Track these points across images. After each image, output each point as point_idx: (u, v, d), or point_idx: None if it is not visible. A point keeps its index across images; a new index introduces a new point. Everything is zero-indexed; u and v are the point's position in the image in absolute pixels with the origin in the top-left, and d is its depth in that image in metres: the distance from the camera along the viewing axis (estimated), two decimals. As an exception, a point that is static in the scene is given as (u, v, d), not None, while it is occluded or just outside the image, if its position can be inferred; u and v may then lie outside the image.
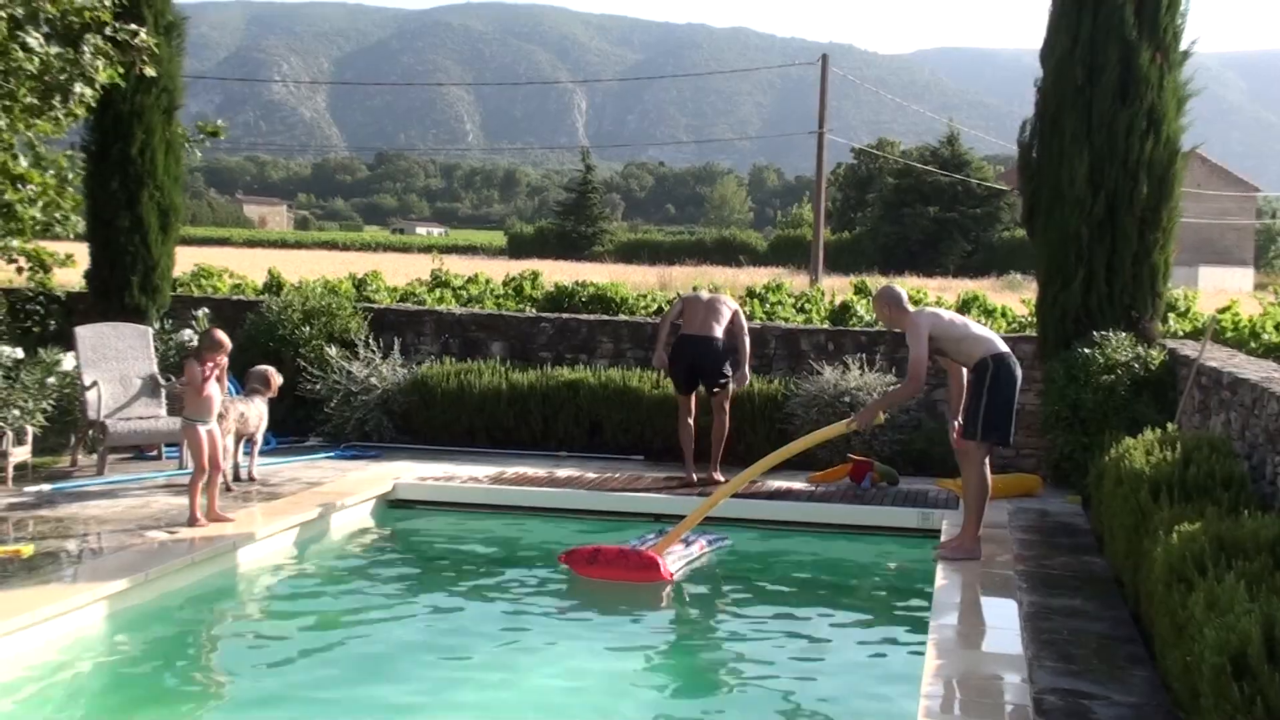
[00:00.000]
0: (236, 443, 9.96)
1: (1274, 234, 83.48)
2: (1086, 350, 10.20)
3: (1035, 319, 11.56)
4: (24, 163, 10.13)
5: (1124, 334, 10.40)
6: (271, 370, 10.44)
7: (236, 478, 9.93)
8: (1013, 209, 65.20)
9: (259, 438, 10.27)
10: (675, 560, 8.12)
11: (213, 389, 8.58)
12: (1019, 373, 8.03)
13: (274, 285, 14.85)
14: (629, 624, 7.32)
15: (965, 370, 8.05)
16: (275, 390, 10.38)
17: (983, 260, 62.18)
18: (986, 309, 13.88)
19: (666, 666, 6.62)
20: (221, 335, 8.80)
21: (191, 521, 8.25)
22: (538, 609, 7.42)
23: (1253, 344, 11.25)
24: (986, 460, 8.00)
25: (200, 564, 7.63)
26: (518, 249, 77.42)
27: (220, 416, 9.41)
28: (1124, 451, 7.44)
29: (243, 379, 10.64)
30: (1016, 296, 20.45)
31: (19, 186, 10.06)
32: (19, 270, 11.48)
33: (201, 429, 8.49)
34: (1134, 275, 10.68)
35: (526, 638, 6.81)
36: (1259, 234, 74.64)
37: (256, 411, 10.12)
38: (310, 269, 26.23)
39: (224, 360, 8.74)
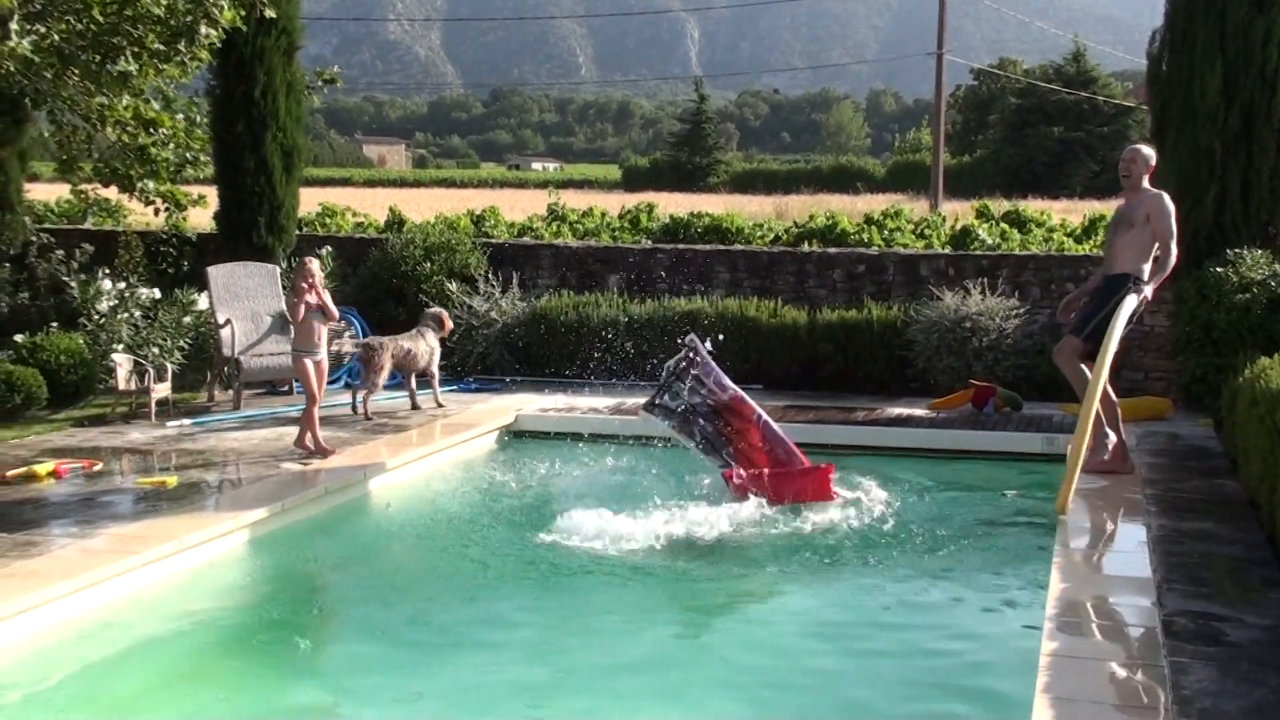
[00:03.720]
0: (407, 377, 10.57)
1: None
2: (1219, 269, 9.89)
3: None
4: (156, 107, 10.41)
5: (1260, 251, 10.05)
6: (444, 312, 11.10)
7: (414, 407, 10.56)
8: (1141, 126, 63.00)
9: (434, 370, 10.72)
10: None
11: (314, 318, 8.76)
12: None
13: (395, 223, 15.12)
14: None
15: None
16: (448, 330, 11.03)
17: (1110, 180, 59.99)
18: (1114, 230, 13.48)
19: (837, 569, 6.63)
20: (307, 260, 9.00)
21: (319, 450, 8.51)
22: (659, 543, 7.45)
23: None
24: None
25: (333, 494, 7.88)
26: (633, 182, 77.20)
27: (371, 351, 9.72)
28: (1260, 372, 7.22)
29: (365, 314, 10.90)
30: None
31: (151, 131, 10.35)
32: (156, 211, 11.84)
33: (308, 360, 8.75)
34: (1272, 190, 10.31)
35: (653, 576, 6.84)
36: None
37: (427, 347, 10.66)
38: (430, 206, 26.62)
39: (307, 286, 8.74)
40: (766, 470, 8.00)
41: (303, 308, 8.73)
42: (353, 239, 14.11)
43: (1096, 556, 6.49)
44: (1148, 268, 7.91)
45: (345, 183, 74.44)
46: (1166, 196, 8.00)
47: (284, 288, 11.66)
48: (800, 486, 7.93)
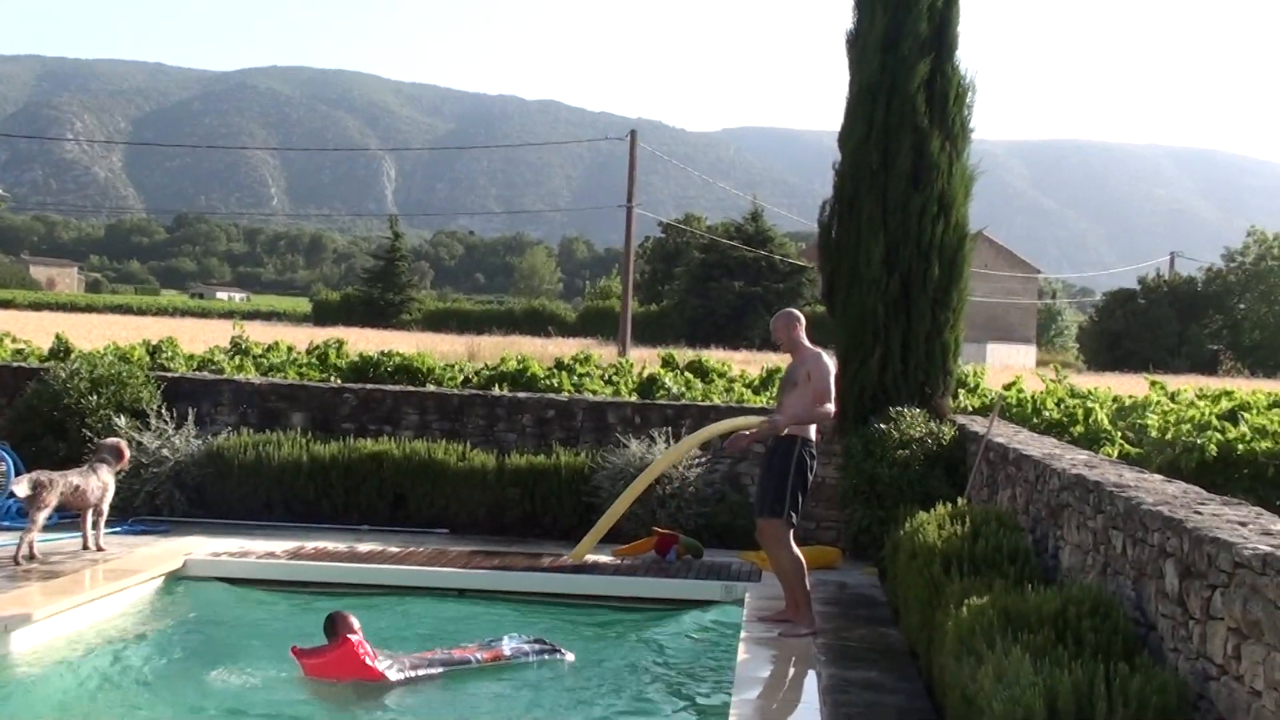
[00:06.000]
0: (82, 515, 9.82)
1: (1054, 313, 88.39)
2: (883, 425, 10.53)
3: (836, 393, 11.91)
4: None
5: (918, 410, 10.78)
6: (123, 442, 10.38)
7: (86, 546, 9.83)
8: (814, 285, 67.34)
9: (104, 509, 9.97)
10: (411, 669, 7.34)
11: None
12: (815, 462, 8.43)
13: (61, 351, 14.16)
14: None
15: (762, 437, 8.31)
16: (126, 463, 10.30)
17: (785, 334, 63.69)
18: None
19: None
20: None
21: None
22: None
23: (1035, 419, 11.81)
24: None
25: (-33, 650, 7.12)
26: (323, 316, 75.86)
27: (39, 488, 9.03)
28: (918, 525, 7.68)
29: (20, 450, 10.09)
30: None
31: None
32: None
33: None
34: (927, 353, 11.11)
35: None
36: (1040, 313, 78.92)
37: (98, 483, 9.85)
38: (102, 334, 25.19)
39: None
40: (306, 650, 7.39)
41: None
42: (9, 367, 13.11)
43: (772, 707, 6.63)
44: (813, 430, 8.35)
45: (7, 305, 69.68)
46: (825, 355, 8.49)
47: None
48: (326, 662, 7.27)
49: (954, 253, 11.18)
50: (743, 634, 7.97)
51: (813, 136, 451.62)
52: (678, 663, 7.99)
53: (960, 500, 8.62)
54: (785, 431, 8.21)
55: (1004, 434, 9.39)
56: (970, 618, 5.35)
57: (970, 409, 12.42)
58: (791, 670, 7.32)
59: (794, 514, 8.20)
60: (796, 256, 71.24)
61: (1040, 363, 58.30)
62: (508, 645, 7.83)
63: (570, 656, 7.86)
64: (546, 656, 7.82)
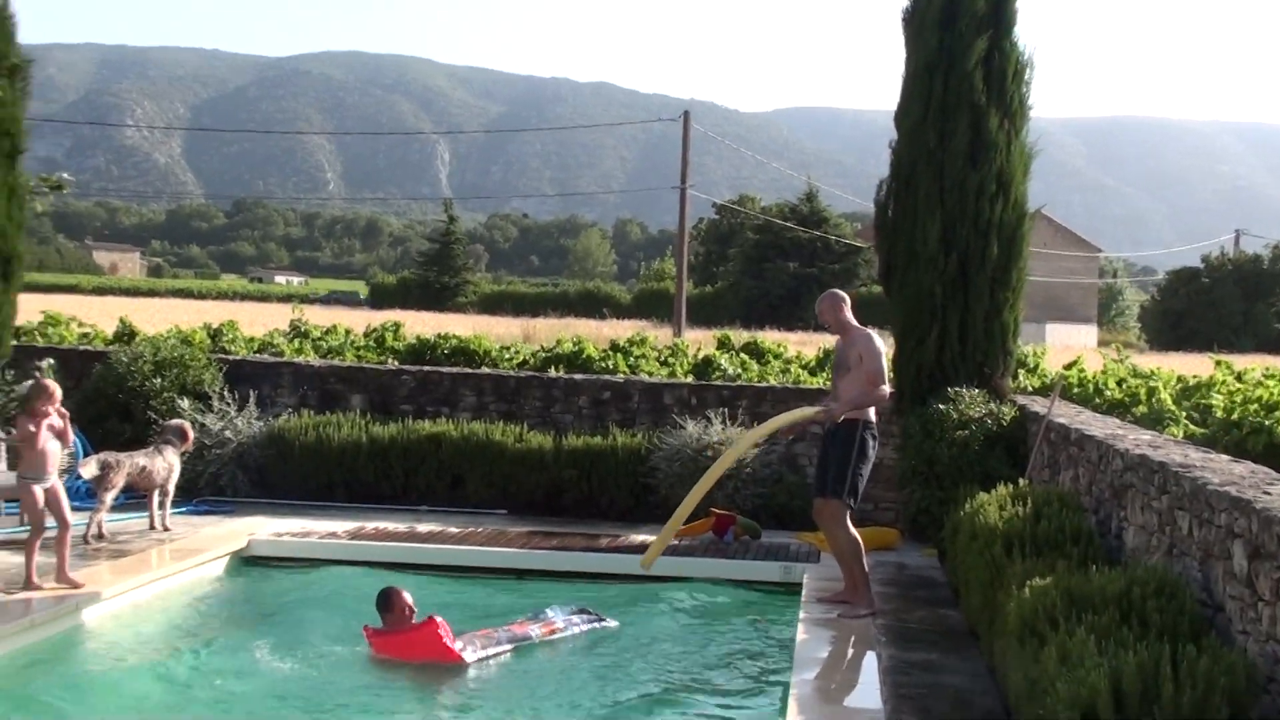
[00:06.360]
0: (149, 496, 10.01)
1: (1115, 293, 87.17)
2: (942, 406, 10.46)
3: (893, 374, 11.84)
4: None
5: (977, 390, 10.70)
6: (187, 424, 10.57)
7: (153, 527, 10.02)
8: (870, 265, 66.92)
9: (170, 489, 10.15)
10: (490, 646, 7.48)
11: (50, 444, 8.15)
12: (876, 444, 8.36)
13: (125, 334, 14.38)
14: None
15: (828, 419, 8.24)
16: (190, 444, 10.49)
17: (840, 316, 63.32)
18: (845, 364, 14.12)
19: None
20: (50, 383, 8.37)
21: (28, 584, 7.87)
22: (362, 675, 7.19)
23: (1097, 400, 11.68)
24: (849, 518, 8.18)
25: (41, 625, 7.29)
26: (380, 299, 76.51)
27: (106, 469, 9.18)
28: (978, 506, 7.63)
29: (87, 432, 10.27)
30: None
31: None
32: None
33: (37, 487, 8.05)
34: (986, 332, 11.01)
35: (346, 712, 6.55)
36: (1101, 292, 77.89)
37: (164, 464, 10.04)
38: (165, 318, 25.55)
39: (49, 411, 8.14)
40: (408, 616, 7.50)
41: (43, 433, 8.10)
42: (77, 351, 13.34)
43: (831, 688, 6.63)
44: (873, 410, 8.29)
45: (73, 290, 70.87)
46: (875, 335, 8.42)
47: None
48: (405, 642, 7.36)
49: (1013, 231, 11.06)
50: (801, 615, 7.97)
51: (867, 116, 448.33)
52: (736, 643, 8.00)
53: (1021, 481, 8.55)
54: (851, 415, 8.17)
55: (1065, 414, 9.30)
56: (1033, 599, 5.31)
57: (1030, 389, 12.30)
58: (851, 651, 7.31)
59: (854, 496, 8.17)
60: (852, 237, 70.81)
61: (1101, 343, 57.61)
62: (559, 617, 7.98)
63: (614, 624, 8.04)
64: (596, 625, 8.00)
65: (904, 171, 11.27)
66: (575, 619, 8.03)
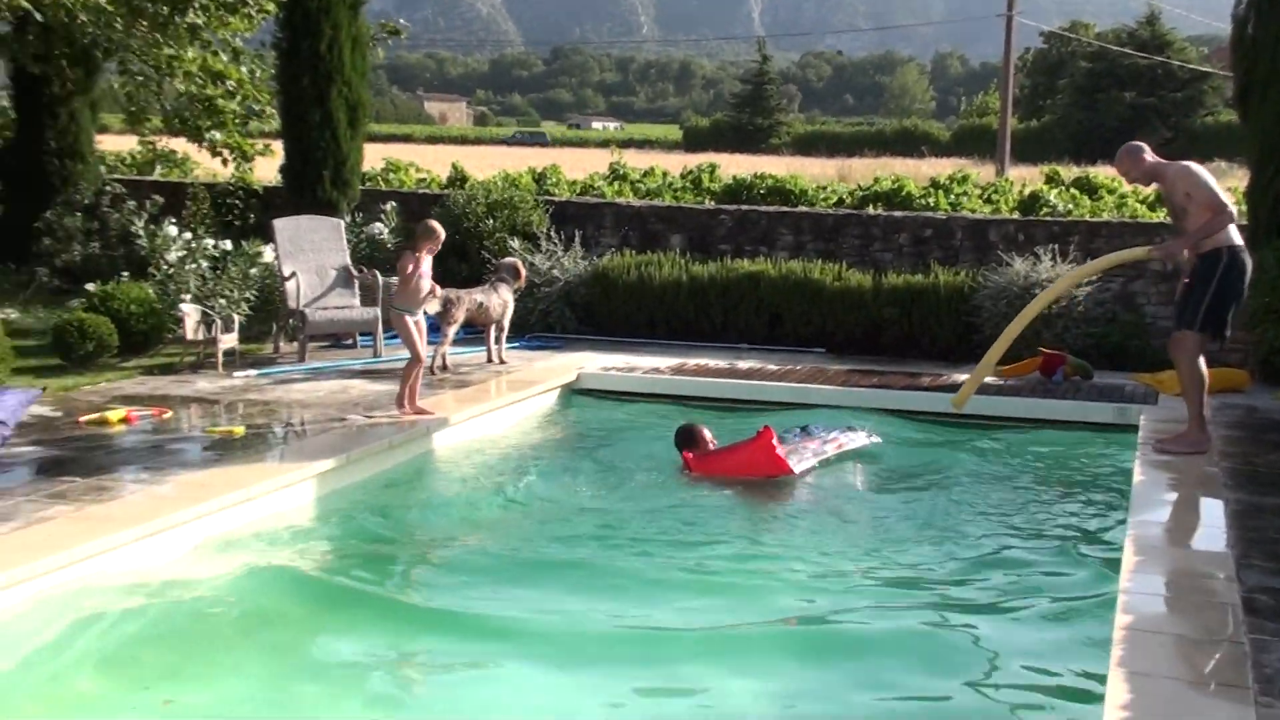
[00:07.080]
0: (486, 330, 10.59)
1: None
2: (1301, 239, 9.62)
3: (1245, 207, 10.91)
4: (223, 59, 10.45)
5: (1343, 221, 9.76)
6: (519, 262, 11.02)
7: (490, 360, 10.60)
8: (1218, 92, 61.67)
9: (505, 324, 10.71)
10: (807, 458, 7.79)
11: (423, 281, 8.67)
12: (1249, 266, 7.67)
13: (458, 179, 15.11)
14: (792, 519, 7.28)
15: (1186, 252, 7.70)
16: (523, 281, 10.94)
17: (1184, 147, 58.77)
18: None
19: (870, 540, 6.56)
20: (436, 225, 8.84)
21: (399, 405, 8.47)
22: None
23: None
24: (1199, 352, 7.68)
25: (398, 447, 7.90)
26: (694, 142, 76.89)
27: (448, 304, 9.72)
28: (1343, 345, 7.02)
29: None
30: (1222, 185, 19.37)
31: (219, 83, 10.39)
32: (224, 162, 11.86)
33: (409, 319, 8.63)
34: (1359, 157, 9.98)
35: (693, 531, 6.80)
36: None
37: (499, 300, 10.59)
38: (491, 164, 26.57)
39: (427, 251, 8.68)
40: (711, 449, 7.84)
41: (424, 266, 8.62)
42: (416, 194, 14.12)
43: (1172, 531, 6.35)
44: (1236, 234, 7.66)
45: (407, 139, 74.72)
46: (1190, 165, 7.74)
47: (347, 242, 11.67)
48: (739, 457, 7.61)
49: (1397, 43, 9.88)
50: (1137, 455, 7.63)
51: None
52: (1069, 484, 7.78)
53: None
54: (1208, 247, 7.59)
55: None
56: None
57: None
58: (1192, 493, 6.96)
59: (1213, 328, 7.61)
60: (1198, 62, 65.29)
61: None
62: (841, 434, 8.20)
63: (879, 439, 8.37)
64: (870, 441, 8.27)
65: (1267, -19, 10.21)
66: (856, 434, 8.27)
